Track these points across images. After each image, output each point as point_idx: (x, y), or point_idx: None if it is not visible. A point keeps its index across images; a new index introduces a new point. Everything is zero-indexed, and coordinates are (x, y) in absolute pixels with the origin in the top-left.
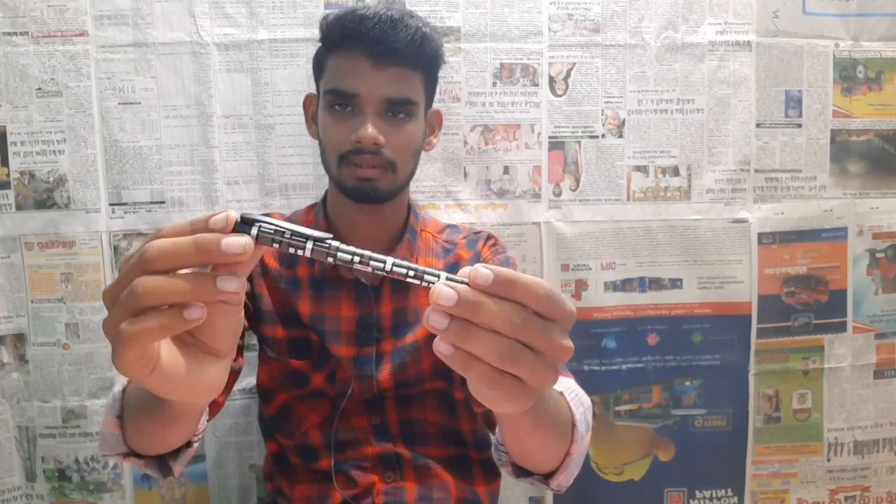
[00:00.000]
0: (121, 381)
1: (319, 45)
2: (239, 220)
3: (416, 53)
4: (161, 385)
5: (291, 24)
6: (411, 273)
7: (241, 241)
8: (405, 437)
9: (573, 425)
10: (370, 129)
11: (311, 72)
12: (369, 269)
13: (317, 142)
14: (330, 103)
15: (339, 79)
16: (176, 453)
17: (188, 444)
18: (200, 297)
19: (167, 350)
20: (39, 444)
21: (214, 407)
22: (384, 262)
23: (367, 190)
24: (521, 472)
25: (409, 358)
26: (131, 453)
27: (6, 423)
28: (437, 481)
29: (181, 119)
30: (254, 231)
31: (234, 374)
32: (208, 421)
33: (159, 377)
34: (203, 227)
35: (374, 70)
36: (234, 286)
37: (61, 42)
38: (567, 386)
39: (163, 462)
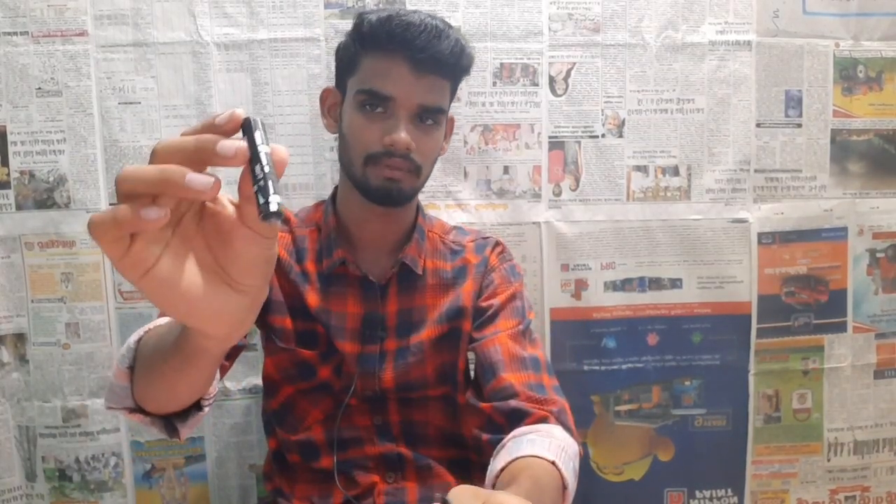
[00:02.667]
0: (136, 333)
1: (347, 40)
2: (244, 120)
3: (454, 65)
4: (165, 294)
5: (291, 24)
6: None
7: (235, 146)
8: (407, 437)
9: (564, 488)
10: (404, 135)
11: (311, 71)
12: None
13: (320, 143)
14: (361, 102)
15: (376, 80)
16: (185, 415)
17: (198, 408)
18: (168, 188)
19: (173, 260)
20: (39, 444)
21: (222, 369)
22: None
23: (391, 190)
24: None
25: (413, 359)
26: (138, 409)
27: (6, 423)
28: (438, 482)
29: (181, 119)
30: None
31: (238, 349)
32: (220, 380)
33: (156, 282)
34: (210, 126)
35: (413, 76)
36: (206, 184)
37: (61, 42)
38: (558, 446)
39: (169, 423)
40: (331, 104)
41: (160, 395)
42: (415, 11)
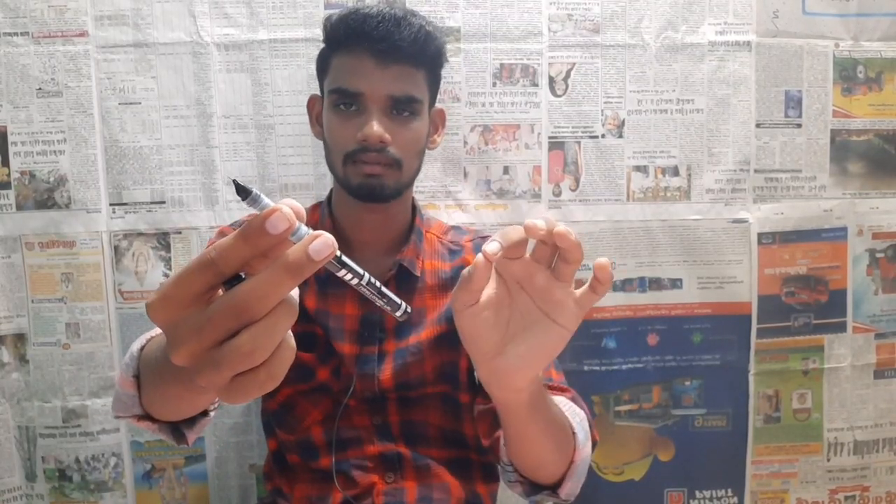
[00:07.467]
0: (139, 340)
1: (323, 45)
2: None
3: (420, 51)
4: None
5: (291, 24)
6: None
7: (330, 244)
8: (406, 437)
9: (573, 433)
10: (376, 128)
11: (311, 72)
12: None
13: (320, 143)
14: (334, 102)
15: (344, 78)
16: (192, 421)
17: (205, 413)
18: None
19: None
20: (39, 444)
21: None
22: (362, 276)
23: (373, 186)
24: (531, 489)
25: (412, 359)
26: (145, 416)
27: (6, 423)
28: (437, 482)
29: (181, 119)
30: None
31: None
32: None
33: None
34: (260, 232)
35: (378, 68)
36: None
37: (62, 42)
38: (560, 400)
39: (176, 429)
40: (317, 112)
41: (166, 410)
42: (377, 5)
